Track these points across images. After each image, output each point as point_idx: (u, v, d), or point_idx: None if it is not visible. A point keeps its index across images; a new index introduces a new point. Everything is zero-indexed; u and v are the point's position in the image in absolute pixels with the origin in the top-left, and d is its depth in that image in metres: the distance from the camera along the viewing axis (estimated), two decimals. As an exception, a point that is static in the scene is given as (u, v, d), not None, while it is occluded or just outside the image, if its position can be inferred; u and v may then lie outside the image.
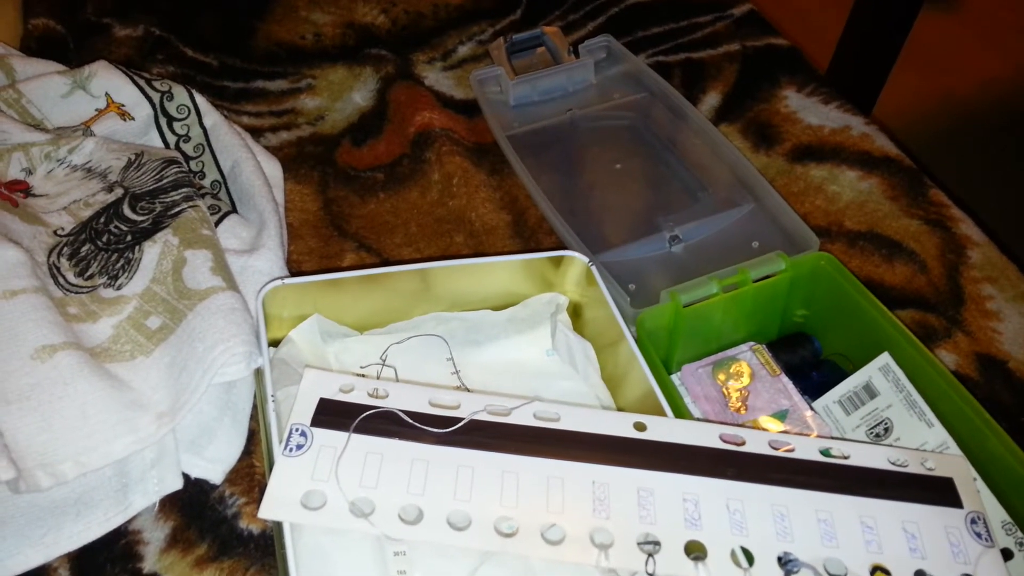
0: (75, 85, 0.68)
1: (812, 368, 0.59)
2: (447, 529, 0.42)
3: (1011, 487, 0.48)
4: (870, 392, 0.53)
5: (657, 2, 0.92)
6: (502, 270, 0.56)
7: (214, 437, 0.52)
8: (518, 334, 0.57)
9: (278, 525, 0.43)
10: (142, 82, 0.69)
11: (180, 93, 0.69)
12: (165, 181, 0.61)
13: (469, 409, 0.47)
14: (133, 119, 0.68)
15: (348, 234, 0.69)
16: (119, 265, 0.57)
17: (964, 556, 0.44)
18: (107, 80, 0.68)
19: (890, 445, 0.52)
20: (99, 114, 0.68)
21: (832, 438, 0.53)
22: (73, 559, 0.49)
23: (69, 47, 0.82)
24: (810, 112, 0.80)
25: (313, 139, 0.77)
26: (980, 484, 0.48)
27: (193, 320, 0.52)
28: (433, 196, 0.72)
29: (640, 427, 0.47)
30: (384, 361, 0.54)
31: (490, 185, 0.72)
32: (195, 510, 0.52)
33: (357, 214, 0.70)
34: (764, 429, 0.52)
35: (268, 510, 0.42)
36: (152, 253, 0.56)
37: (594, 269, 0.55)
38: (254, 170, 0.66)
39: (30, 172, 0.64)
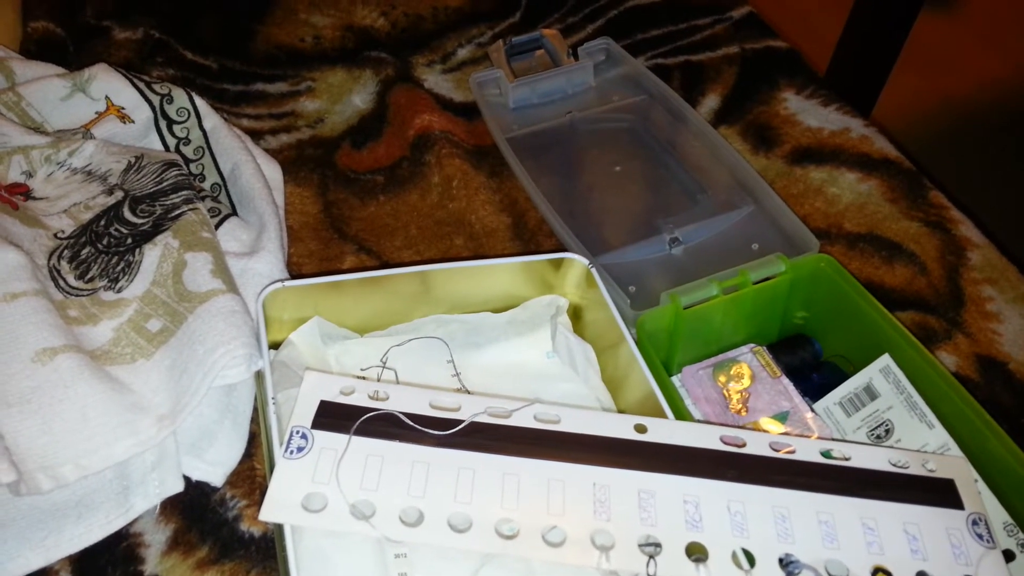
0: (75, 88, 0.68)
1: (813, 370, 0.59)
2: (448, 531, 0.42)
3: (1012, 488, 0.48)
4: (871, 394, 0.53)
5: (656, 5, 0.93)
6: (502, 272, 0.56)
7: (215, 440, 0.52)
8: (518, 336, 0.57)
9: (279, 527, 0.43)
10: (142, 85, 0.69)
11: (180, 96, 0.69)
12: (165, 184, 0.61)
13: (470, 411, 0.47)
14: (133, 122, 0.68)
15: (348, 237, 0.69)
16: (119, 268, 0.57)
17: (965, 557, 0.44)
18: (107, 83, 0.68)
19: (891, 447, 0.52)
20: (99, 117, 0.68)
21: (833, 440, 0.53)
22: (74, 562, 0.49)
23: (69, 50, 0.82)
24: (809, 114, 0.80)
25: (313, 142, 0.77)
26: (981, 485, 0.48)
27: (193, 323, 0.52)
28: (433, 198, 0.72)
29: (641, 429, 0.47)
30: (384, 363, 0.54)
31: (490, 187, 0.73)
32: (196, 513, 0.52)
33: (357, 216, 0.70)
34: (765, 431, 0.52)
35: (269, 512, 0.42)
36: (152, 256, 0.56)
37: (594, 271, 0.55)
38: (254, 173, 0.66)
39: (30, 175, 0.64)
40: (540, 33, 0.84)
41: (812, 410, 0.54)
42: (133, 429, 0.49)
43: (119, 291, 0.56)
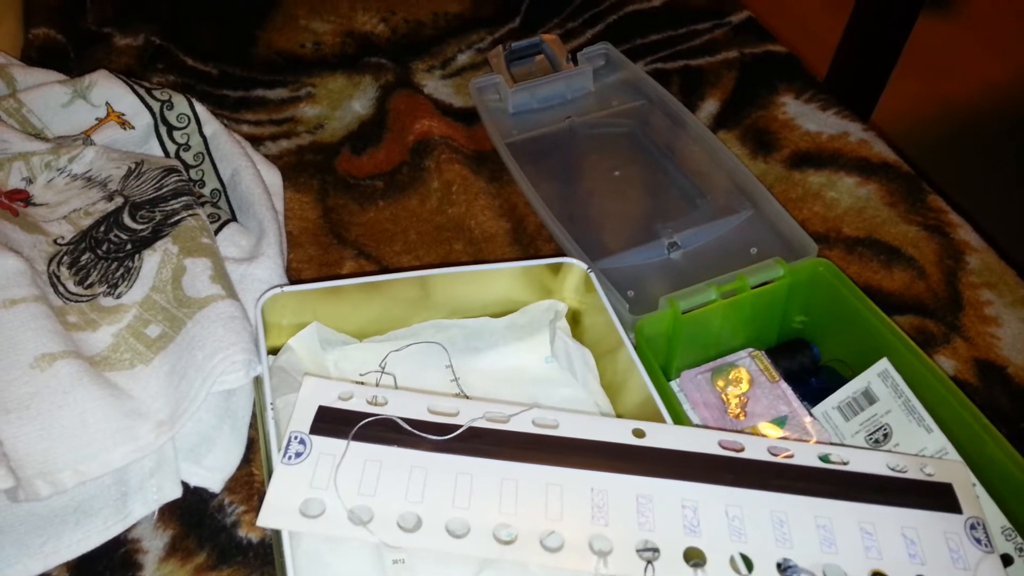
0: (75, 94, 0.68)
1: (811, 374, 0.59)
2: (446, 536, 0.42)
3: (1010, 492, 0.48)
4: (869, 398, 0.53)
5: (655, 10, 0.93)
6: (501, 277, 0.56)
7: (213, 445, 0.52)
8: (517, 341, 0.57)
9: (277, 533, 0.43)
10: (142, 91, 0.69)
11: (180, 102, 0.69)
12: (165, 190, 0.61)
13: (468, 416, 0.47)
14: (133, 128, 0.69)
15: (347, 242, 0.69)
16: (119, 274, 0.57)
17: (964, 562, 0.44)
18: (107, 89, 0.69)
19: (889, 451, 0.52)
20: (99, 123, 0.68)
21: (831, 444, 0.53)
22: (72, 568, 0.49)
23: (70, 56, 0.82)
24: (808, 118, 0.80)
25: (313, 147, 0.77)
26: (979, 489, 0.48)
27: (192, 328, 0.52)
28: (432, 204, 0.72)
29: (639, 434, 0.47)
30: (383, 369, 0.54)
31: (489, 192, 0.73)
32: (194, 518, 0.52)
33: (356, 222, 0.71)
34: (763, 435, 0.52)
35: (267, 518, 0.42)
36: (152, 262, 0.57)
37: (593, 276, 0.55)
38: (254, 178, 0.66)
39: (30, 181, 0.64)
40: (540, 38, 0.84)
41: (810, 414, 0.54)
42: (132, 435, 0.49)
43: (118, 297, 0.56)
